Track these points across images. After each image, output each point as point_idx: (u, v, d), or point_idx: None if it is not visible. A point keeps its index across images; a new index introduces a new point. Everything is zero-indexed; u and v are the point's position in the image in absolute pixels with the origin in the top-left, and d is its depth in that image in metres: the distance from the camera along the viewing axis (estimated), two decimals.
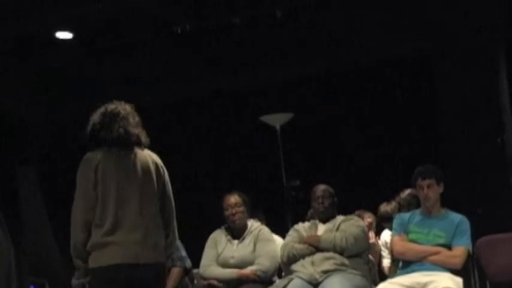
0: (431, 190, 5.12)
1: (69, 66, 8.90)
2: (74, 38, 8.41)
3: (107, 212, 4.12)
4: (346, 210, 6.04)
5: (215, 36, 8.48)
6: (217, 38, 8.51)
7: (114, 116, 4.25)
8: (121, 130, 4.20)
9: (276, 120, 8.67)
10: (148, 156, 4.30)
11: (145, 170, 4.24)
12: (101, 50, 8.64)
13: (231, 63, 8.85)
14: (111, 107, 4.30)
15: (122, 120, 4.24)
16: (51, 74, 8.94)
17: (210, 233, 5.97)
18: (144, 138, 4.30)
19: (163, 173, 4.32)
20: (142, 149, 4.29)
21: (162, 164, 4.34)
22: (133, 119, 4.29)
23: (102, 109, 4.31)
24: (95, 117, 4.30)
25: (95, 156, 4.19)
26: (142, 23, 8.21)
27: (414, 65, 8.67)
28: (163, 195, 4.30)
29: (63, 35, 8.37)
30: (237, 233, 5.84)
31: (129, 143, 4.23)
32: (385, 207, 6.68)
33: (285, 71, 9.07)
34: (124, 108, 4.31)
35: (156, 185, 4.26)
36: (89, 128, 4.30)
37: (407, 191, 5.89)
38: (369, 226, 6.73)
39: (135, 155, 4.24)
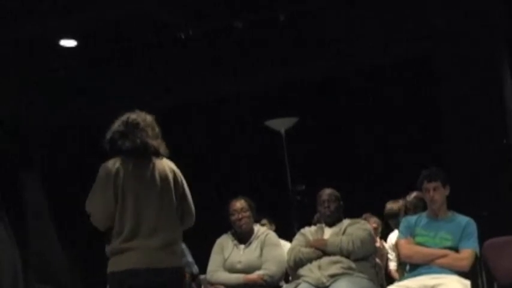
0: (437, 193, 5.12)
1: (72, 72, 8.91)
2: (77, 45, 8.42)
3: (126, 220, 4.22)
4: (352, 214, 6.03)
5: (218, 41, 8.49)
6: (221, 43, 8.52)
7: (133, 126, 4.32)
8: (138, 141, 4.27)
9: (281, 124, 8.68)
10: (166, 165, 4.38)
11: (163, 178, 4.32)
12: (104, 55, 8.65)
13: (234, 67, 8.85)
14: (132, 117, 4.38)
15: (140, 131, 4.32)
16: (54, 79, 8.95)
17: (216, 238, 5.97)
18: (163, 149, 4.37)
19: (182, 181, 4.41)
20: (161, 159, 4.33)
21: (179, 172, 4.42)
22: (153, 130, 4.36)
23: (124, 117, 4.39)
24: (116, 125, 4.38)
25: (114, 165, 4.28)
26: (145, 29, 8.22)
27: (417, 66, 8.65)
28: (183, 202, 4.39)
29: (67, 42, 8.38)
30: (243, 238, 5.83)
31: (146, 154, 4.29)
32: (391, 205, 6.69)
33: (289, 75, 9.08)
34: (144, 119, 4.38)
35: (174, 193, 4.34)
36: (108, 136, 4.37)
37: (414, 194, 5.89)
38: (375, 231, 6.73)
39: (153, 164, 4.33)
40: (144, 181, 4.28)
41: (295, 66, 8.92)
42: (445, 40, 8.24)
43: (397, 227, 6.16)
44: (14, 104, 8.88)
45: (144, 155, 4.31)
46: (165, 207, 4.30)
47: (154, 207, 4.25)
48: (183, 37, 8.21)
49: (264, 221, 6.79)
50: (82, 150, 9.41)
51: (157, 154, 4.36)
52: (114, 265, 4.24)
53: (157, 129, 4.41)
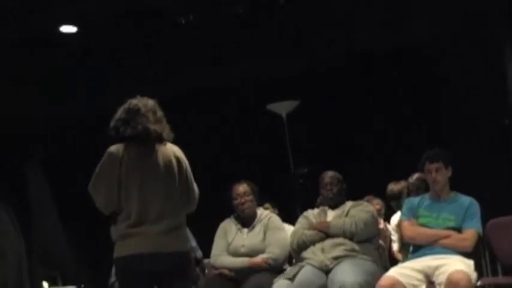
0: (439, 174, 5.12)
1: (73, 61, 8.90)
2: (77, 32, 8.40)
3: (132, 205, 4.25)
4: (355, 196, 6.05)
5: (219, 26, 8.46)
6: (222, 28, 8.49)
7: (134, 112, 4.34)
8: (140, 127, 4.29)
9: (282, 108, 8.68)
10: (170, 150, 4.40)
11: (167, 164, 4.34)
12: (104, 44, 8.63)
13: (236, 52, 8.83)
14: (133, 102, 4.41)
15: (141, 117, 4.34)
16: (56, 68, 8.94)
17: (219, 222, 5.99)
18: (166, 133, 4.39)
19: (186, 167, 4.42)
20: (165, 144, 4.35)
21: (183, 157, 4.44)
22: (154, 114, 4.37)
23: (125, 105, 4.43)
24: (119, 113, 4.41)
25: (118, 151, 4.30)
26: (145, 14, 8.19)
27: (419, 50, 8.63)
28: (187, 188, 4.41)
29: (67, 29, 8.36)
30: (246, 221, 5.85)
31: (148, 139, 4.30)
32: (392, 186, 6.70)
33: (291, 59, 9.06)
34: (145, 104, 4.40)
35: (178, 178, 4.35)
36: (112, 124, 4.40)
37: (416, 176, 5.88)
38: (378, 213, 6.73)
39: (157, 150, 4.34)
40: (147, 167, 4.30)
41: (297, 49, 8.89)
42: (449, 24, 8.22)
43: (399, 208, 6.17)
44: (15, 95, 8.88)
45: (146, 141, 4.33)
46: (170, 192, 4.32)
47: (159, 192, 4.28)
48: (183, 22, 8.19)
49: (267, 205, 6.80)
50: (84, 139, 9.42)
51: (161, 139, 4.38)
52: (120, 250, 4.27)
53: (159, 113, 4.42)
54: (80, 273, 9.12)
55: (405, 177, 6.21)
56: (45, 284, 8.73)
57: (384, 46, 8.68)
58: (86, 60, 8.83)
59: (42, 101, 9.20)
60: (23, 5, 7.50)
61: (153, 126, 4.34)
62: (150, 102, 4.44)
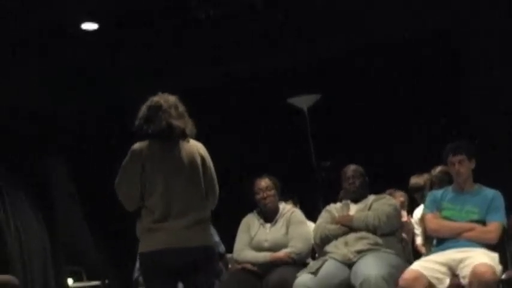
0: (462, 166, 5.09)
1: (95, 56, 8.94)
2: (99, 28, 8.43)
3: (156, 201, 4.29)
4: (377, 190, 6.02)
5: (239, 20, 8.45)
6: (241, 21, 8.48)
7: (156, 109, 4.38)
8: (163, 123, 4.34)
9: (304, 101, 8.66)
10: (194, 147, 4.44)
11: (191, 161, 4.38)
12: (125, 39, 8.65)
13: (256, 46, 8.82)
14: (154, 99, 4.46)
15: (164, 113, 4.38)
16: (78, 64, 8.98)
17: (242, 217, 6.00)
18: (189, 128, 4.42)
19: (209, 164, 4.47)
20: (188, 141, 4.38)
21: (207, 155, 4.48)
22: (176, 110, 4.40)
23: (147, 102, 4.48)
24: (141, 111, 4.45)
25: (142, 148, 4.35)
26: (165, 9, 8.21)
27: (440, 41, 8.57)
28: (210, 185, 4.45)
29: (89, 25, 8.39)
30: (269, 216, 5.86)
31: (172, 136, 4.33)
32: (415, 179, 6.66)
33: (310, 52, 9.04)
34: (167, 100, 4.44)
35: (201, 174, 4.39)
36: (136, 122, 4.45)
37: (439, 168, 5.85)
38: (402, 205, 6.71)
39: (180, 146, 4.38)
40: (171, 163, 4.33)
41: (317, 43, 8.87)
42: (467, 15, 8.16)
43: (422, 201, 6.14)
44: (37, 92, 8.93)
45: (170, 136, 4.35)
46: (193, 188, 4.35)
47: (182, 188, 4.31)
48: (203, 17, 8.19)
49: (289, 202, 6.83)
50: (106, 134, 9.46)
51: (184, 135, 4.40)
52: (145, 245, 4.31)
53: (181, 108, 4.46)
54: (104, 268, 9.17)
55: (428, 170, 6.18)
56: (70, 280, 8.79)
57: (403, 37, 8.62)
58: (107, 57, 8.87)
59: (67, 95, 9.26)
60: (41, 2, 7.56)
61: (176, 122, 4.37)
62: (171, 98, 4.47)
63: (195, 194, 4.35)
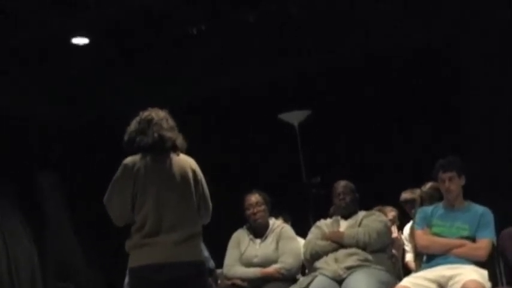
0: (452, 183, 5.09)
1: (86, 70, 8.94)
2: (89, 43, 8.44)
3: (147, 216, 4.25)
4: (368, 206, 6.02)
5: (230, 35, 8.48)
6: (233, 36, 8.51)
7: (148, 122, 4.39)
8: (155, 135, 4.32)
9: (294, 117, 8.67)
10: (185, 161, 4.41)
11: (183, 175, 4.35)
12: (116, 53, 8.66)
13: (247, 61, 8.84)
14: (145, 113, 4.45)
15: (155, 125, 4.36)
16: (69, 78, 8.98)
17: (232, 232, 5.98)
18: (180, 142, 4.41)
19: (201, 180, 4.44)
20: (178, 154, 4.36)
21: (199, 170, 4.45)
22: (167, 123, 4.38)
23: (137, 117, 4.45)
24: (132, 125, 4.44)
25: (133, 162, 4.31)
26: (157, 25, 8.22)
27: (436, 54, 8.58)
28: (203, 200, 4.43)
29: (79, 40, 8.40)
30: (259, 232, 5.84)
31: (164, 149, 4.31)
32: (405, 195, 6.66)
33: (301, 68, 9.06)
34: (157, 113, 4.45)
35: (193, 189, 4.36)
36: (126, 137, 4.43)
37: (429, 184, 5.85)
38: (393, 219, 6.71)
39: (172, 160, 4.36)
40: (163, 177, 4.30)
41: (308, 58, 8.90)
42: (467, 26, 8.18)
43: (414, 216, 6.13)
44: (28, 104, 8.93)
45: (162, 149, 4.33)
46: (185, 203, 4.32)
47: (174, 203, 4.28)
48: (195, 32, 8.21)
49: (287, 216, 6.83)
50: (96, 146, 9.44)
51: (175, 148, 4.39)
52: (135, 260, 4.27)
53: (171, 122, 4.45)
54: (94, 284, 9.11)
55: (419, 186, 6.18)
56: None
57: (395, 53, 8.65)
58: (97, 71, 8.88)
59: (57, 108, 9.26)
60: (36, 16, 7.56)
61: (167, 134, 4.36)
62: (162, 112, 4.47)
63: (187, 209, 4.32)
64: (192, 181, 4.36)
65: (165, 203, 4.26)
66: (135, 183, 4.26)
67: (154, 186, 4.27)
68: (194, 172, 4.40)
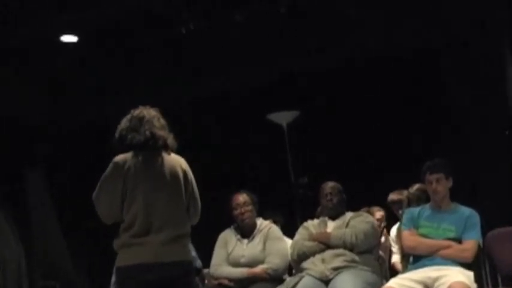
0: (440, 184, 5.11)
1: (74, 69, 8.92)
2: (79, 41, 8.42)
3: (136, 215, 4.22)
4: (355, 207, 6.04)
5: (219, 35, 8.47)
6: (221, 36, 8.50)
7: (139, 119, 4.36)
8: (147, 133, 4.30)
9: (283, 118, 8.68)
10: (175, 161, 4.39)
11: (173, 174, 4.33)
12: (105, 52, 8.64)
13: (235, 61, 8.84)
14: (136, 112, 4.43)
15: (147, 123, 4.34)
16: (57, 76, 8.96)
17: (219, 232, 5.98)
18: (170, 140, 4.39)
19: (191, 180, 4.42)
20: (169, 153, 4.35)
21: (189, 170, 4.44)
22: (159, 122, 4.37)
23: (128, 115, 4.43)
24: (122, 123, 4.41)
25: (124, 161, 4.28)
26: (146, 24, 8.21)
27: (421, 58, 8.61)
28: (192, 200, 4.40)
29: (68, 38, 8.38)
30: (246, 232, 5.85)
31: (156, 147, 4.31)
32: (392, 196, 6.68)
33: (289, 68, 9.07)
34: (149, 112, 4.43)
35: (183, 189, 4.34)
36: (117, 135, 4.40)
37: (416, 186, 5.87)
38: (381, 219, 6.73)
39: (163, 159, 4.34)
40: (153, 176, 4.28)
41: (296, 59, 8.90)
42: (451, 33, 8.22)
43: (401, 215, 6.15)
44: (16, 103, 8.89)
45: (154, 147, 4.32)
46: (174, 202, 4.30)
47: (164, 202, 4.25)
48: (184, 32, 8.20)
49: (279, 217, 6.83)
50: (84, 145, 9.42)
51: (166, 147, 4.38)
52: (123, 259, 4.24)
53: (162, 121, 4.43)
54: (80, 283, 9.10)
55: (406, 188, 6.20)
56: None
57: (381, 55, 8.67)
58: (86, 69, 8.86)
59: (45, 107, 9.23)
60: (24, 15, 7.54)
61: (159, 132, 4.35)
62: (153, 111, 4.45)
63: (177, 209, 4.30)
64: (182, 181, 4.35)
65: (155, 202, 4.23)
66: (125, 181, 4.23)
67: (143, 185, 4.24)
68: (184, 172, 4.38)
